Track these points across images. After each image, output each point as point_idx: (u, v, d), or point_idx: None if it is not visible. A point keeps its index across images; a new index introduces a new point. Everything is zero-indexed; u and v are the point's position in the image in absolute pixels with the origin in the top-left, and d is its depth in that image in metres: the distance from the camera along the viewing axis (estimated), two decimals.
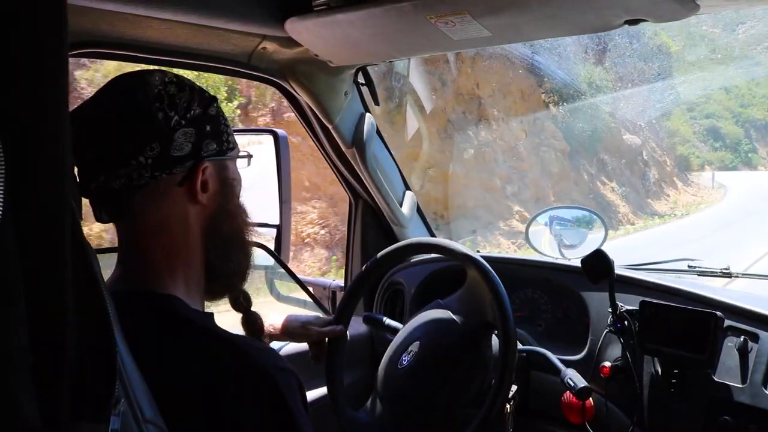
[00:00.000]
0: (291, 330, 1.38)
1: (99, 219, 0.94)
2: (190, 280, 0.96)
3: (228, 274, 1.02)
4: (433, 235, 2.19)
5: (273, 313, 1.40)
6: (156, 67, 1.01)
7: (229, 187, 1.00)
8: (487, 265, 1.35)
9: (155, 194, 0.91)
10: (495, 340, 1.44)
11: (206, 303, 1.03)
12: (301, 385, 0.93)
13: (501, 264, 1.40)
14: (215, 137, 0.96)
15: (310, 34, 1.43)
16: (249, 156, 1.08)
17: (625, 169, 21.88)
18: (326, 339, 1.44)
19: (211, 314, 0.97)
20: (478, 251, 1.59)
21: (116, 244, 0.97)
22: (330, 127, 1.78)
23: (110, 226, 0.96)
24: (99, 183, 0.89)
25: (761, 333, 1.30)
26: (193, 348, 0.87)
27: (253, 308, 1.16)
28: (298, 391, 0.91)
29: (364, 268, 1.58)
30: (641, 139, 24.37)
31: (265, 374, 0.87)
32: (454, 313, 1.42)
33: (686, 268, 1.79)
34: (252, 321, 1.16)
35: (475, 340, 1.39)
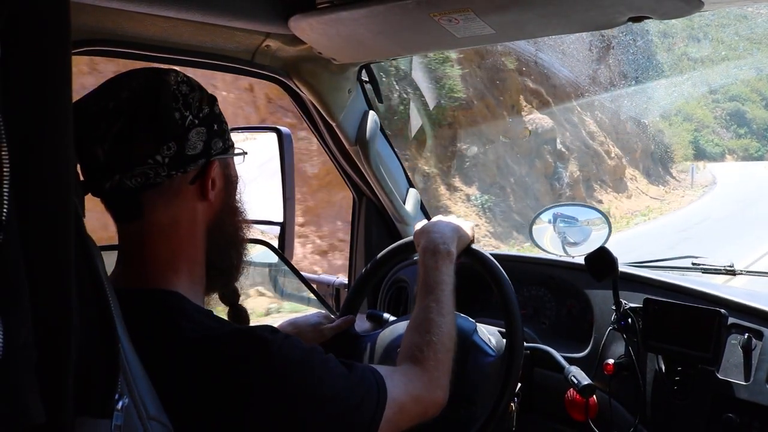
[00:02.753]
0: (304, 335, 1.39)
1: (116, 218, 0.94)
2: (194, 276, 0.97)
3: (226, 270, 1.04)
4: None
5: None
6: (167, 66, 1.01)
7: (232, 184, 1.02)
8: (497, 263, 1.35)
9: (168, 193, 0.92)
10: (498, 338, 1.44)
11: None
12: (315, 347, 0.95)
13: (504, 261, 1.40)
14: (221, 135, 0.97)
15: (314, 31, 1.42)
16: (244, 153, 1.09)
17: (517, 165, 14.82)
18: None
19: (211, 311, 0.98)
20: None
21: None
22: (333, 124, 1.78)
23: (110, 223, 0.96)
24: (114, 182, 0.88)
25: (765, 330, 1.30)
26: (199, 342, 0.86)
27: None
28: (313, 355, 0.92)
29: (368, 265, 1.58)
30: (557, 120, 16.73)
31: (279, 357, 0.87)
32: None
33: (690, 266, 1.78)
34: (238, 315, 1.16)
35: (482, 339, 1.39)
